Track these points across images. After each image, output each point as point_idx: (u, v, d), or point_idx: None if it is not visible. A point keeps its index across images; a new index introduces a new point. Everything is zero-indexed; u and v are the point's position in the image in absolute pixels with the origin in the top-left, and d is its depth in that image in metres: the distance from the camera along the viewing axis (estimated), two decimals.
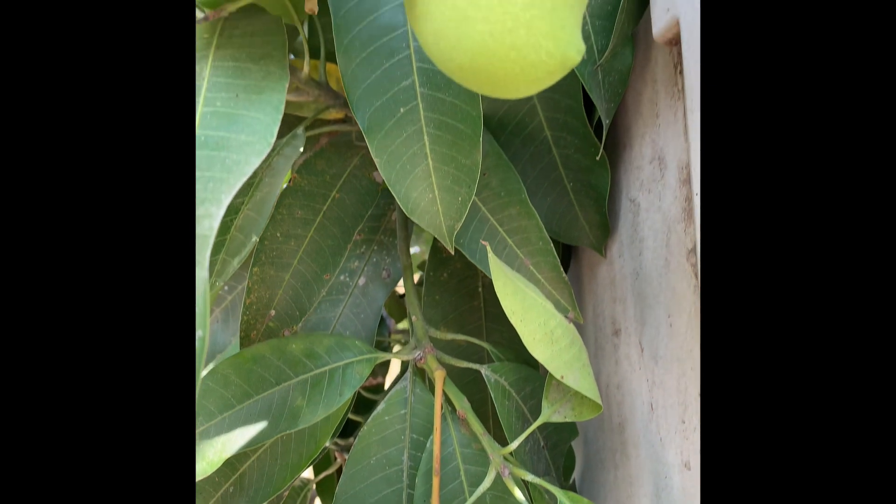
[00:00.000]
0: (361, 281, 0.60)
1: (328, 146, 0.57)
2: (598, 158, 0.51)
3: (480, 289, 0.59)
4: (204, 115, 0.35)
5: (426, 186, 0.44)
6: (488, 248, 0.40)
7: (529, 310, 0.41)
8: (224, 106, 0.36)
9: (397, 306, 0.79)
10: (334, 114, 0.59)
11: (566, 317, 0.48)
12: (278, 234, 0.53)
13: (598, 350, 0.59)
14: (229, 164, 0.33)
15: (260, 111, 0.35)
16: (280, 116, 0.35)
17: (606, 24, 0.45)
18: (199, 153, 0.34)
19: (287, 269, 0.53)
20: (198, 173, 0.33)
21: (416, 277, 0.74)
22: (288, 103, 0.54)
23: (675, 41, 0.42)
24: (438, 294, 0.59)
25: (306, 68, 0.53)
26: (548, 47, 0.28)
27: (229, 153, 0.34)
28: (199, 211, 0.31)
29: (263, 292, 0.52)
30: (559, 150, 0.53)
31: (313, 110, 0.61)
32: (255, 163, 0.33)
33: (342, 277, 0.60)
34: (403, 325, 0.88)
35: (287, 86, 0.37)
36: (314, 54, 0.58)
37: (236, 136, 0.34)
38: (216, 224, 0.30)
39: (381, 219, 0.62)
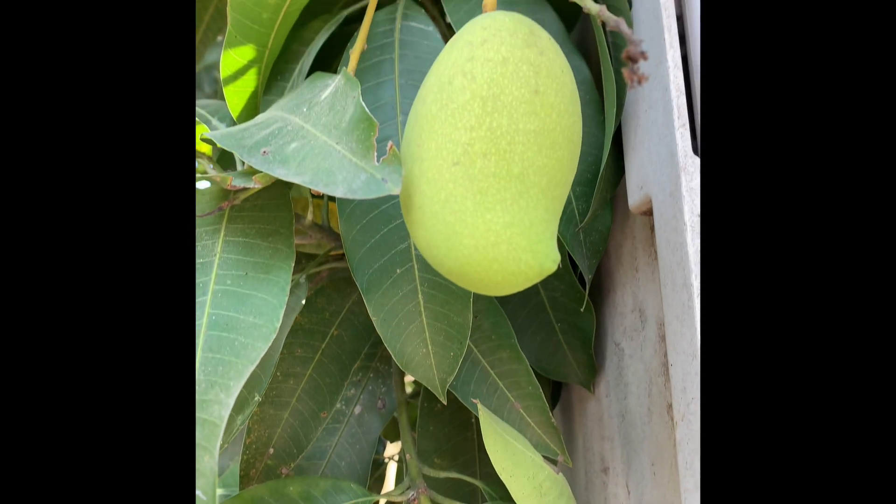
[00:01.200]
0: (357, 409, 0.62)
1: (328, 283, 0.60)
2: (582, 310, 0.54)
3: (473, 420, 0.61)
4: (215, 294, 0.38)
5: (420, 342, 0.46)
6: (479, 405, 0.42)
7: (519, 465, 0.42)
8: (234, 285, 0.39)
9: (392, 425, 0.80)
10: (335, 251, 0.62)
11: (555, 460, 0.50)
12: (278, 374, 0.55)
13: (588, 484, 0.60)
14: (238, 348, 0.36)
15: (268, 292, 0.38)
16: (286, 298, 0.38)
17: (587, 190, 0.48)
18: (209, 333, 0.36)
19: (286, 408, 0.55)
20: (207, 354, 0.35)
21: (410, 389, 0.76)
22: None
23: (649, 212, 0.45)
24: (432, 425, 0.60)
25: (310, 216, 0.57)
26: (527, 260, 0.32)
27: (238, 335, 0.36)
28: (209, 395, 0.34)
29: (263, 431, 0.54)
30: (547, 293, 0.56)
31: (315, 247, 0.64)
32: (263, 348, 0.35)
33: (339, 405, 0.62)
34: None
35: (293, 264, 0.40)
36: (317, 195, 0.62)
37: (245, 318, 0.37)
38: (226, 413, 0.32)
39: (378, 346, 0.64)
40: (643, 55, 0.25)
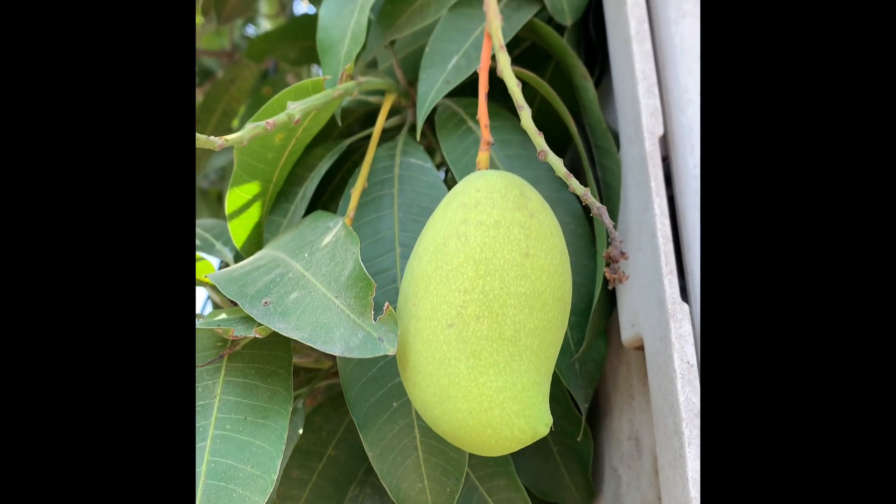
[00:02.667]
0: None
1: (326, 401, 0.61)
2: (579, 439, 0.54)
3: None
4: (214, 439, 0.39)
5: (416, 477, 0.46)
6: None
7: None
8: (233, 430, 0.39)
9: None
10: (334, 367, 0.63)
11: None
12: (275, 497, 0.55)
13: None
14: (235, 500, 0.36)
15: (266, 440, 0.38)
16: (283, 446, 0.38)
17: (581, 320, 0.50)
18: (208, 482, 0.37)
19: None
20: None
21: None
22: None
23: (641, 348, 0.46)
24: None
25: None
26: (520, 425, 0.33)
27: (236, 486, 0.37)
28: None
29: None
30: None
31: (314, 362, 0.65)
32: (260, 501, 0.36)
33: None
34: None
35: (291, 408, 0.40)
36: None
37: (243, 467, 0.37)
38: None
39: None
40: (623, 255, 0.27)
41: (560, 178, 0.53)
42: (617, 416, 0.54)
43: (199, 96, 1.42)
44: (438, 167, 0.64)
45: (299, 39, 0.81)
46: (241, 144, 0.35)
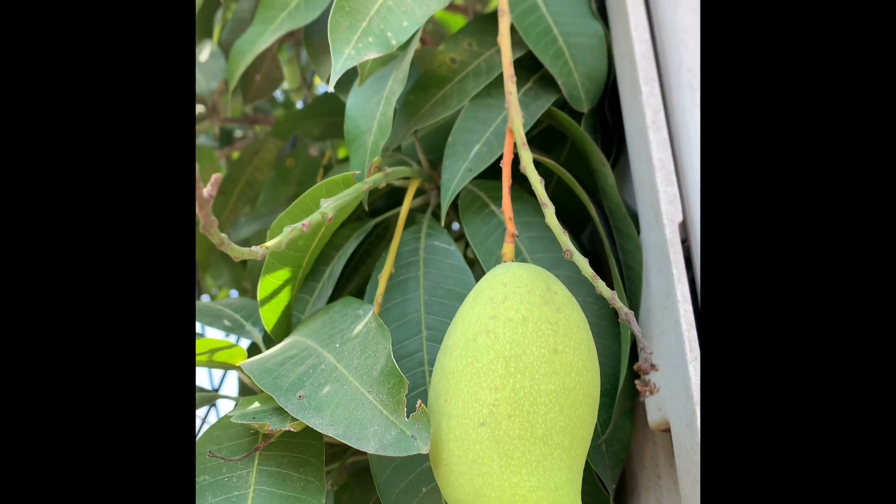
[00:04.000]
0: None
1: (351, 478, 0.61)
2: None
3: None
4: None
5: None
6: None
7: None
8: None
9: None
10: None
11: None
12: None
13: None
14: None
15: None
16: None
17: (607, 401, 0.50)
18: None
19: None
20: None
21: None
22: None
23: (668, 430, 0.47)
24: None
25: None
26: None
27: None
28: None
29: None
30: None
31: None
32: None
33: None
34: None
35: (324, 499, 0.41)
36: None
37: None
38: None
39: None
40: (653, 367, 0.27)
41: (568, 252, 0.54)
42: (644, 496, 0.53)
43: (222, 160, 1.46)
44: (457, 239, 0.66)
45: (322, 117, 0.84)
46: (280, 248, 0.37)
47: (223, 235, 0.28)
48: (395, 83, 0.53)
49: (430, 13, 0.46)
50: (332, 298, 0.60)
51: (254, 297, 0.63)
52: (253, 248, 0.31)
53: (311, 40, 0.64)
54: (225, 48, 0.82)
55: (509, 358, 0.36)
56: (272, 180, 0.99)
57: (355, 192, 0.46)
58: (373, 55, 0.44)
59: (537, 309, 0.37)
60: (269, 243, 0.35)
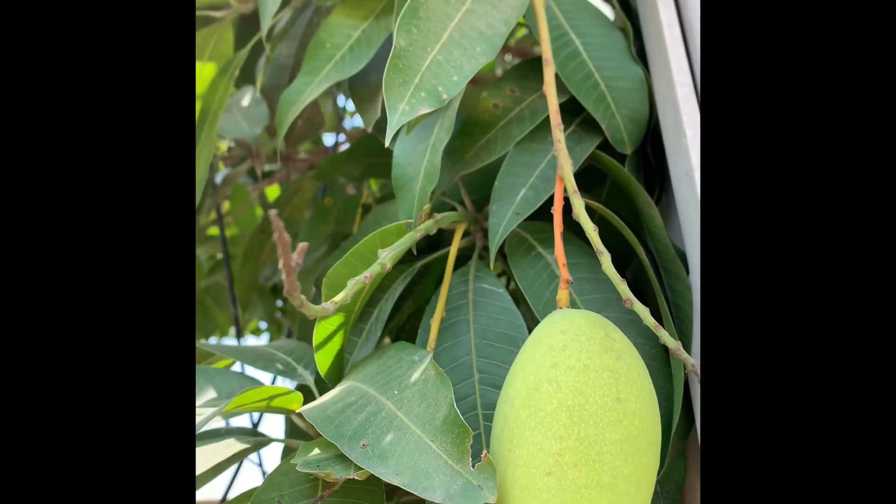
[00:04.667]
0: None
1: None
2: None
3: None
4: None
5: None
6: None
7: None
8: None
9: None
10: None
11: None
12: None
13: None
14: None
15: None
16: None
17: (663, 441, 0.50)
18: None
19: None
20: None
21: None
22: None
23: None
24: None
25: None
26: None
27: None
28: None
29: None
30: None
31: None
32: None
33: None
34: None
35: None
36: None
37: None
38: None
39: None
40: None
41: (628, 301, 0.55)
42: None
43: (255, 195, 1.49)
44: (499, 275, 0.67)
45: (361, 158, 0.86)
46: (346, 301, 0.38)
47: (302, 297, 0.29)
48: (442, 131, 0.54)
49: (478, 66, 0.48)
50: (381, 339, 0.61)
51: (278, 330, 0.64)
52: (324, 305, 0.32)
53: (356, 89, 0.66)
54: (265, 93, 0.85)
55: (573, 407, 0.36)
56: (311, 219, 1.01)
57: (409, 240, 0.47)
58: (425, 110, 0.45)
59: (598, 357, 0.38)
60: (337, 298, 0.36)
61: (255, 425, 1.00)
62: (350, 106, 1.30)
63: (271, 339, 2.20)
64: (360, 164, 0.86)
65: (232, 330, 2.05)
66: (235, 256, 1.24)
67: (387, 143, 0.45)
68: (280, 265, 0.24)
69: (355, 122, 1.47)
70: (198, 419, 0.44)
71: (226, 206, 1.34)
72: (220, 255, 1.63)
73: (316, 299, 0.71)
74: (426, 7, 0.48)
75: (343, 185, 1.02)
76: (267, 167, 1.25)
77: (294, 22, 0.81)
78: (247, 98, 0.87)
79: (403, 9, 0.47)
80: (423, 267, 0.69)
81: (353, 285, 0.38)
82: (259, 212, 1.71)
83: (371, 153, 0.86)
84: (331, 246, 0.92)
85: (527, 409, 0.37)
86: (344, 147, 1.05)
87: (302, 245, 0.26)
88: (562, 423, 0.36)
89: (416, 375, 0.45)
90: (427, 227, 0.49)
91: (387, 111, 0.45)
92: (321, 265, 0.97)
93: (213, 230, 1.45)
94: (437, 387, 0.42)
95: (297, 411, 0.50)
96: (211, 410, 0.47)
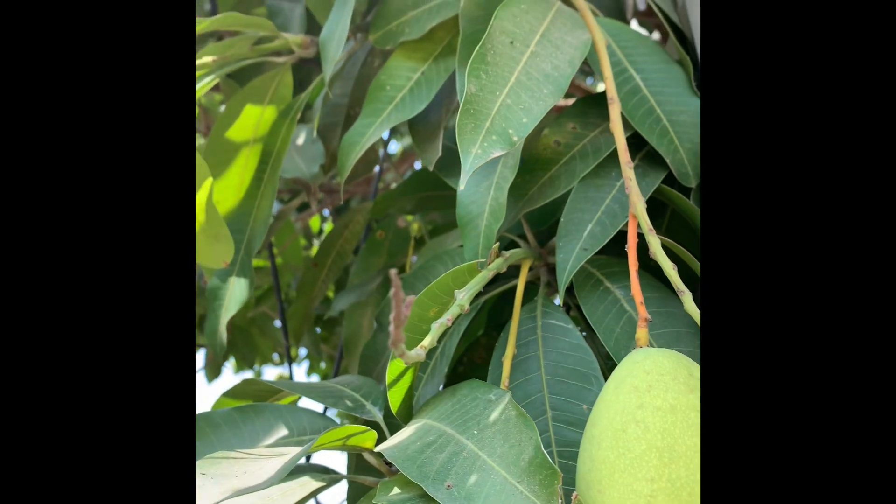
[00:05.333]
0: None
1: None
2: None
3: None
4: None
5: None
6: None
7: None
8: None
9: None
10: None
11: None
12: None
13: None
14: None
15: None
16: None
17: None
18: None
19: None
20: None
21: None
22: None
23: None
24: None
25: None
26: None
27: None
28: None
29: None
30: None
31: None
32: None
33: None
34: None
35: None
36: None
37: None
38: None
39: None
40: None
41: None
42: None
43: (298, 225, 1.51)
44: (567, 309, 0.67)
45: (414, 192, 0.87)
46: (433, 346, 0.39)
47: (402, 346, 0.30)
48: (506, 169, 0.55)
49: (546, 108, 0.49)
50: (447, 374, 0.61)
51: (318, 356, 0.65)
52: (417, 351, 0.33)
53: (415, 129, 0.67)
54: (320, 132, 0.87)
55: (662, 448, 0.36)
56: (363, 252, 1.02)
57: (482, 279, 0.48)
58: (498, 153, 0.46)
59: (684, 397, 0.38)
60: (425, 343, 0.37)
61: (308, 459, 1.01)
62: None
63: (311, 366, 2.22)
64: (413, 199, 0.88)
65: (274, 357, 2.08)
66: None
67: (461, 187, 0.46)
68: (391, 317, 0.25)
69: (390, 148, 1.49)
70: (285, 459, 0.45)
71: None
72: (266, 286, 1.66)
73: (378, 335, 0.72)
74: (493, 52, 0.49)
75: (393, 217, 1.04)
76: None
77: (348, 62, 0.83)
78: (302, 137, 0.90)
79: (472, 55, 0.48)
80: (480, 300, 0.70)
81: (437, 328, 0.39)
82: (303, 241, 1.74)
83: (423, 187, 0.88)
84: (385, 279, 0.93)
85: (615, 450, 0.37)
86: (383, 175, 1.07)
87: (410, 298, 0.27)
88: (652, 465, 0.36)
89: (494, 415, 0.45)
90: (498, 265, 0.50)
91: (460, 155, 0.46)
92: (373, 297, 0.99)
93: (257, 261, 1.48)
94: (519, 427, 0.42)
95: (374, 450, 0.50)
96: (295, 450, 0.48)
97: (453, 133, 0.69)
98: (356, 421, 0.62)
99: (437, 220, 1.07)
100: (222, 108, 1.33)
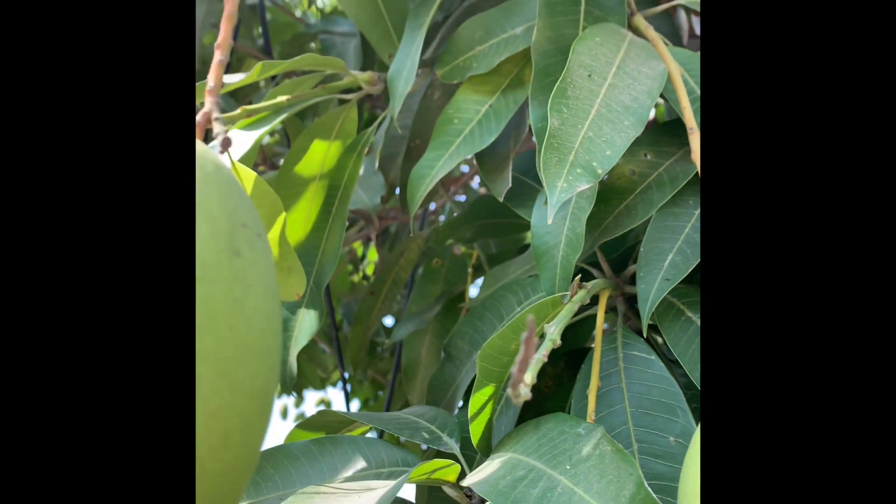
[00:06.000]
0: None
1: None
2: None
3: None
4: None
5: None
6: None
7: None
8: None
9: None
10: None
11: None
12: None
13: None
14: None
15: None
16: None
17: None
18: None
19: None
20: None
21: None
22: None
23: None
24: None
25: None
26: None
27: None
28: None
29: None
30: None
31: None
32: None
33: None
34: None
35: None
36: None
37: None
38: None
39: None
40: None
41: None
42: None
43: (356, 244, 1.53)
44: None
45: (474, 221, 0.88)
46: (534, 383, 0.39)
47: (521, 387, 0.30)
48: (582, 199, 0.55)
49: (629, 140, 0.49)
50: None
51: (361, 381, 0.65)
52: (524, 390, 0.33)
53: (483, 160, 0.68)
54: (381, 164, 0.88)
55: None
56: (420, 279, 1.03)
57: (569, 313, 0.48)
58: (583, 186, 0.46)
59: None
60: (527, 379, 0.37)
61: None
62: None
63: (352, 389, 2.23)
64: (471, 227, 0.88)
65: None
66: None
67: (549, 221, 0.46)
68: (518, 359, 0.26)
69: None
70: (377, 494, 0.46)
71: None
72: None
73: (446, 365, 0.72)
74: (573, 86, 0.50)
75: (450, 245, 1.04)
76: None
77: (408, 95, 0.84)
78: (361, 169, 0.91)
79: (553, 90, 0.49)
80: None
81: (535, 365, 0.39)
82: (349, 268, 1.76)
83: (482, 215, 0.88)
84: (444, 307, 0.94)
85: None
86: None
87: (535, 341, 0.27)
88: None
89: (587, 449, 0.45)
90: (581, 297, 0.50)
91: (546, 189, 0.47)
92: (432, 325, 0.99)
93: None
94: (616, 462, 0.42)
95: (461, 484, 0.50)
96: (384, 484, 0.48)
97: (519, 163, 0.70)
98: (438, 455, 0.62)
99: (491, 248, 1.07)
100: (266, 139, 1.36)
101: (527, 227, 0.92)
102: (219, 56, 0.34)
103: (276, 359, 0.27)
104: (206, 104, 0.33)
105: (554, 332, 0.44)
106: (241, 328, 0.26)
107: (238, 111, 0.60)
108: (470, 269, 0.95)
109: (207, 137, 0.32)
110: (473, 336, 0.68)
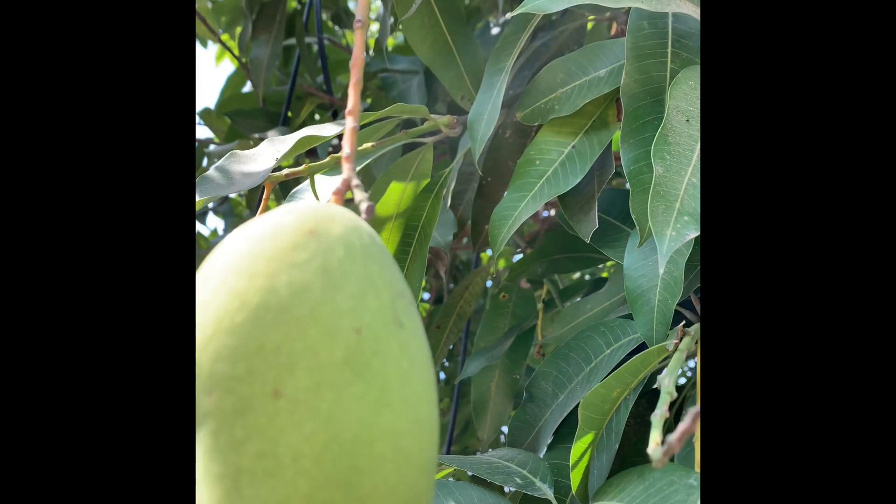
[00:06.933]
0: None
1: None
2: None
3: None
4: None
5: None
6: None
7: None
8: None
9: None
10: None
11: None
12: None
13: None
14: None
15: None
16: None
17: None
18: None
19: None
20: None
21: None
22: None
23: None
24: None
25: None
26: None
27: None
28: None
29: None
30: None
31: None
32: None
33: None
34: None
35: None
36: None
37: None
38: None
39: None
40: None
41: None
42: None
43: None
44: None
45: (545, 257, 0.88)
46: (659, 441, 0.38)
47: (662, 450, 0.30)
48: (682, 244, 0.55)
49: None
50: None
51: None
52: (658, 450, 0.32)
53: (567, 201, 0.68)
54: (452, 202, 0.89)
55: None
56: (488, 314, 1.03)
57: (679, 362, 0.47)
58: (692, 234, 0.46)
59: None
60: (657, 438, 0.36)
61: None
62: None
63: None
64: (542, 263, 0.88)
65: None
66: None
67: (660, 271, 0.46)
68: (681, 429, 0.25)
69: None
70: None
71: None
72: None
73: (527, 406, 0.72)
74: (673, 132, 0.50)
75: (517, 280, 1.04)
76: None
77: None
78: None
79: (655, 137, 0.49)
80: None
81: (658, 421, 0.39)
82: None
83: (553, 251, 0.88)
84: (515, 342, 0.93)
85: None
86: None
87: (695, 411, 0.27)
88: None
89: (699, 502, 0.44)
90: (688, 345, 0.49)
91: (655, 237, 0.46)
92: (501, 361, 0.98)
93: None
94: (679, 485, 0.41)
95: None
96: None
97: (601, 202, 0.69)
98: (525, 499, 0.61)
99: (558, 282, 1.07)
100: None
101: (597, 262, 0.92)
102: (351, 122, 0.35)
103: (437, 429, 0.27)
104: (345, 171, 0.34)
105: (669, 385, 0.44)
106: (412, 401, 0.26)
107: (328, 159, 0.61)
108: (541, 305, 0.94)
109: (349, 204, 0.32)
110: (558, 377, 0.68)
